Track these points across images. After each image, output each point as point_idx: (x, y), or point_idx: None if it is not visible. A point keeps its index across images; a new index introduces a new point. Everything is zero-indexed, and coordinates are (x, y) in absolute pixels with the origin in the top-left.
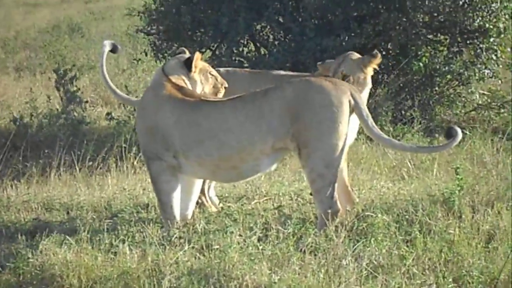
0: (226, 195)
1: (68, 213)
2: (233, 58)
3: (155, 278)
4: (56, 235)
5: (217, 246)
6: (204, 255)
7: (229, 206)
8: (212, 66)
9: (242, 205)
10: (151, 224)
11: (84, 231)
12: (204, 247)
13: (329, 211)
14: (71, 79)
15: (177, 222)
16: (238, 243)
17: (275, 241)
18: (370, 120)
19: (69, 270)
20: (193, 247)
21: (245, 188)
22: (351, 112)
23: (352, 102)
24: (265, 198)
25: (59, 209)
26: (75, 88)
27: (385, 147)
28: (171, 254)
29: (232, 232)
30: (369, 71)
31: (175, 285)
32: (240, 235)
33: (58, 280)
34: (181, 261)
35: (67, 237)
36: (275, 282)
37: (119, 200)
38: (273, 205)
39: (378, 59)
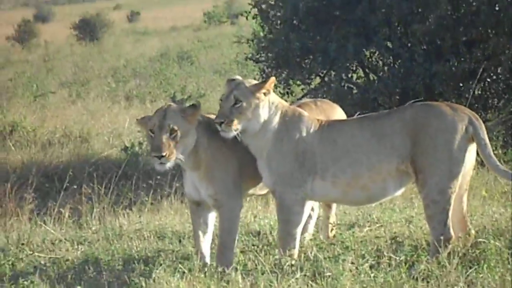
0: (338, 222)
1: (180, 241)
2: (342, 84)
3: None
4: (169, 263)
5: (329, 274)
6: (316, 283)
7: (341, 234)
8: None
9: (353, 232)
10: (262, 252)
11: (197, 259)
12: (316, 275)
13: (442, 237)
14: None
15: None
16: (350, 271)
17: (387, 269)
18: (488, 150)
19: None
20: (305, 275)
21: (357, 215)
22: (470, 140)
23: (471, 129)
24: (377, 225)
25: (171, 237)
26: None
27: (503, 178)
28: (283, 282)
29: (344, 260)
30: (193, 121)
31: None
32: (352, 263)
33: None
34: None
35: (180, 265)
36: None
37: None
38: (384, 232)
39: (199, 110)
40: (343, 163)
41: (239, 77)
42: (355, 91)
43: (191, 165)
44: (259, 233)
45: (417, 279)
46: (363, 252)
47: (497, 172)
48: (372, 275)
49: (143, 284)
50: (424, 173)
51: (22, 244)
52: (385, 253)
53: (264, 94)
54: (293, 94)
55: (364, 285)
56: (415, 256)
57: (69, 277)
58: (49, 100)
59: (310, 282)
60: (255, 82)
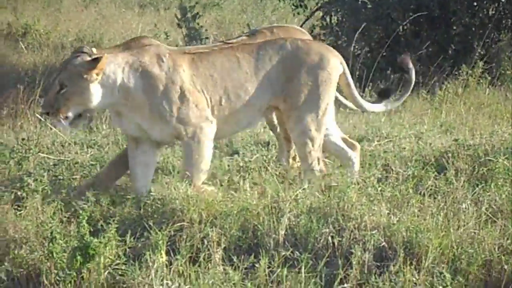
0: (348, 136)
1: None
2: None
3: (274, 215)
4: (179, 170)
5: (336, 185)
6: (323, 194)
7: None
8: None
9: (362, 146)
10: (271, 162)
11: None
12: (324, 187)
13: (318, 173)
14: (193, 16)
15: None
16: (358, 183)
17: (394, 183)
18: (356, 90)
19: (189, 205)
20: (312, 186)
21: (366, 129)
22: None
23: (342, 69)
24: (386, 140)
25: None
26: (197, 26)
27: (368, 111)
28: (291, 192)
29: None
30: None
31: (294, 223)
32: (360, 176)
33: (178, 214)
34: (300, 199)
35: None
36: (393, 224)
37: (240, 137)
38: (393, 147)
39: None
40: (222, 99)
41: (87, 48)
42: (369, 6)
43: None
44: (268, 143)
45: (424, 194)
46: (371, 166)
47: (362, 109)
48: (379, 188)
49: (152, 189)
50: (300, 110)
51: (29, 140)
52: (392, 168)
53: (97, 74)
54: (307, 8)
55: (371, 198)
56: (423, 171)
57: (78, 179)
58: (62, 4)
59: (317, 193)
60: (94, 55)
